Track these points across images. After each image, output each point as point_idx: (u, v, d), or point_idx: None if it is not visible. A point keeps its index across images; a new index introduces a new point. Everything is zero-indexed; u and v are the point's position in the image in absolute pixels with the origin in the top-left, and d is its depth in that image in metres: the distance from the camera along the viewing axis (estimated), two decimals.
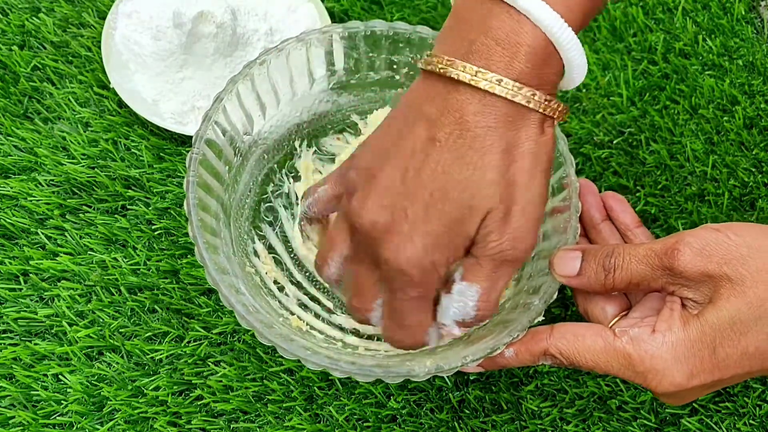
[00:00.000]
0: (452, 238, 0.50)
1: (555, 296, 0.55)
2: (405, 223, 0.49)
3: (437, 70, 0.49)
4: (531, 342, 0.54)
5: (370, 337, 0.62)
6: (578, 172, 0.67)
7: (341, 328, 0.62)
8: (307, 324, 0.60)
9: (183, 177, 0.72)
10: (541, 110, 0.49)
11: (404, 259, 0.49)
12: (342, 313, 0.63)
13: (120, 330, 0.67)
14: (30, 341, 0.67)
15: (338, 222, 0.53)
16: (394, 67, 0.64)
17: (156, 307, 0.68)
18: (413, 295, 0.51)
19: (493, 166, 0.49)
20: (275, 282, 0.62)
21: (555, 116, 0.50)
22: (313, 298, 0.63)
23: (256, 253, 0.62)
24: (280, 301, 0.61)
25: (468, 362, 0.53)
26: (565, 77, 0.51)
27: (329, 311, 0.63)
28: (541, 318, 0.55)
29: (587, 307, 0.57)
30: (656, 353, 0.50)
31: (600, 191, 0.61)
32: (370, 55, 0.64)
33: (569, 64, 0.49)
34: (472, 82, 0.48)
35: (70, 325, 0.67)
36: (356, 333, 0.62)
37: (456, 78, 0.48)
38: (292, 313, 0.61)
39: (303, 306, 0.62)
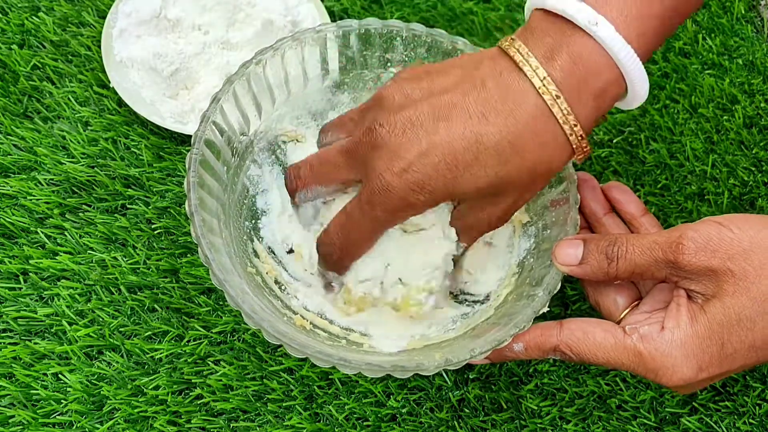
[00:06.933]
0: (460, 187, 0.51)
1: (558, 287, 0.56)
2: (424, 143, 0.50)
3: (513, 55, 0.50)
4: (541, 338, 0.54)
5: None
6: (578, 171, 0.67)
7: (345, 327, 0.62)
8: (310, 323, 0.60)
9: (183, 176, 0.72)
10: (570, 137, 0.51)
11: (402, 180, 0.50)
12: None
13: (120, 329, 0.67)
14: (30, 340, 0.67)
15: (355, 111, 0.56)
16: (388, 64, 0.65)
17: (156, 306, 0.68)
18: (378, 215, 0.52)
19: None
20: (276, 282, 0.62)
21: (576, 151, 0.52)
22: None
23: (256, 254, 0.62)
24: (282, 301, 0.61)
25: (476, 355, 0.53)
26: (627, 100, 0.52)
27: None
28: (546, 309, 0.55)
29: (598, 298, 0.57)
30: (666, 351, 0.51)
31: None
32: (364, 53, 0.64)
33: (633, 90, 0.51)
34: (539, 88, 0.50)
35: (70, 324, 0.67)
36: (360, 332, 0.62)
37: (523, 70, 0.50)
38: (295, 313, 0.61)
39: (305, 305, 0.62)
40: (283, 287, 0.62)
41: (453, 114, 0.50)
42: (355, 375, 0.66)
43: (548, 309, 0.55)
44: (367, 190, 0.51)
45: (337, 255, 0.56)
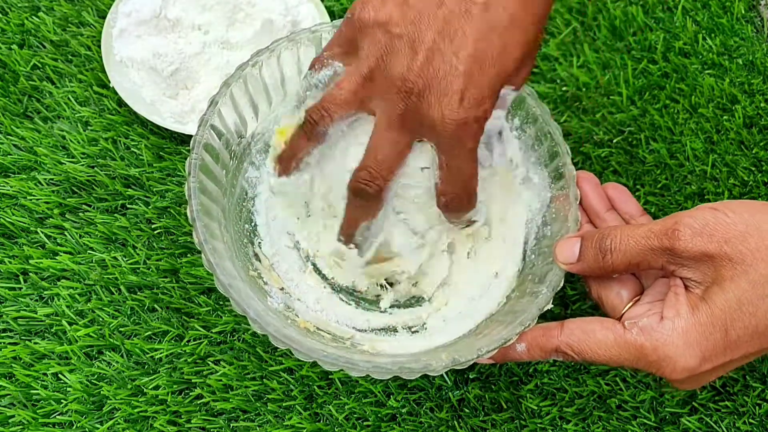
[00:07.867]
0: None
1: (561, 284, 0.56)
2: (458, 66, 0.50)
3: None
4: (542, 339, 0.54)
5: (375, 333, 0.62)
6: (578, 170, 0.67)
7: (347, 327, 0.62)
8: (314, 324, 0.60)
9: (183, 176, 0.72)
10: None
11: (465, 108, 0.51)
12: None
13: (120, 329, 0.67)
14: (30, 340, 0.67)
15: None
16: None
17: (156, 306, 0.68)
18: (471, 146, 0.52)
19: None
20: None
21: None
22: None
23: (257, 257, 0.62)
24: (285, 304, 0.61)
25: (483, 354, 0.53)
26: None
27: None
28: (550, 306, 0.55)
29: (601, 293, 0.57)
30: (668, 340, 0.51)
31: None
32: None
33: None
34: None
35: (70, 324, 0.67)
36: (363, 331, 0.62)
37: None
38: (298, 315, 0.61)
39: (308, 307, 0.62)
40: (285, 290, 0.62)
41: (454, 24, 0.50)
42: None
43: (550, 307, 0.55)
44: (445, 141, 0.51)
45: (465, 200, 0.55)
